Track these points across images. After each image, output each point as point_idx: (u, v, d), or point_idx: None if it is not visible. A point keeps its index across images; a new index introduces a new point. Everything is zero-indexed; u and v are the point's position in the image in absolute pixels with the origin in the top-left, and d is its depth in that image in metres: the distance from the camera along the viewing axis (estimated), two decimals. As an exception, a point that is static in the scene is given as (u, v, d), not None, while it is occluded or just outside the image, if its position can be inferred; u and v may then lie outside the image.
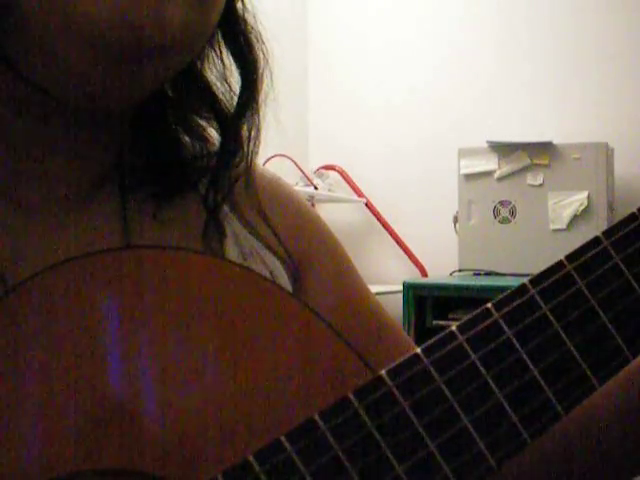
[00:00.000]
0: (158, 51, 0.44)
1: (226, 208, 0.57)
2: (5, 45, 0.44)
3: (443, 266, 2.97)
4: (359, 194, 3.22)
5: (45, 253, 0.48)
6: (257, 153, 0.57)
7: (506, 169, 2.79)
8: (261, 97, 0.55)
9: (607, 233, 0.38)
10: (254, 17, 0.55)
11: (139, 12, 0.42)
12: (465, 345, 0.34)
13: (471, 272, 2.81)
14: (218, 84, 0.56)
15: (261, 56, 0.55)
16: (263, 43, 0.55)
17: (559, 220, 2.72)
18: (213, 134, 0.58)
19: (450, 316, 2.58)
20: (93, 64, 0.44)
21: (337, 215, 3.24)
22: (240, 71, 0.55)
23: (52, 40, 0.43)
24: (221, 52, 0.55)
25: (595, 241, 0.38)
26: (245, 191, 0.58)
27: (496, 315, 0.35)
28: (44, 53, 0.44)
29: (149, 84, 0.48)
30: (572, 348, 0.35)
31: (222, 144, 0.56)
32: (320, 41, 3.38)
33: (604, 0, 2.97)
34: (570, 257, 0.37)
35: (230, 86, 0.56)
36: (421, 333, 2.57)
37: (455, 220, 2.92)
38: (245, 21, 0.54)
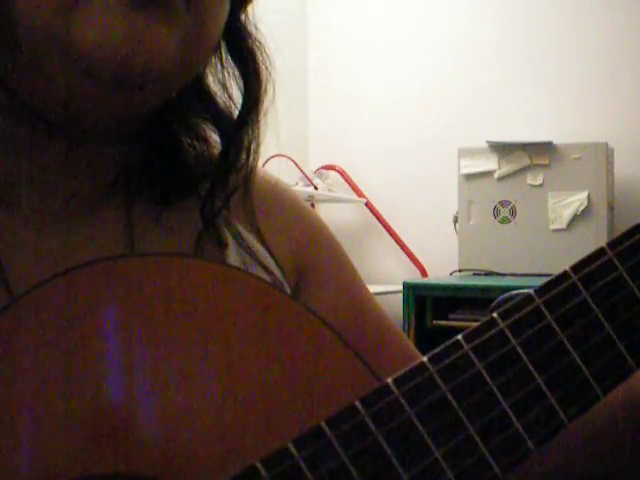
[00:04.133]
0: (151, 82, 0.45)
1: (233, 217, 0.57)
2: (3, 64, 0.45)
3: (443, 266, 2.98)
4: (359, 194, 3.22)
5: (51, 262, 0.48)
6: (255, 166, 0.57)
7: (506, 169, 2.79)
8: (263, 108, 0.55)
9: (612, 244, 0.38)
10: (256, 28, 0.55)
11: (132, 48, 0.42)
12: (471, 354, 0.34)
13: (471, 272, 2.82)
14: (220, 93, 0.56)
15: (264, 69, 0.55)
16: (267, 55, 0.55)
17: (559, 220, 2.73)
18: (214, 136, 0.58)
19: (450, 316, 2.59)
20: (85, 90, 0.45)
21: (337, 215, 3.25)
22: (243, 83, 0.55)
23: (46, 64, 0.44)
24: (222, 62, 0.55)
25: (600, 252, 0.38)
26: (243, 202, 0.58)
27: (502, 324, 0.35)
28: (38, 75, 0.45)
29: (144, 108, 0.49)
30: (577, 358, 0.36)
31: (221, 154, 0.56)
32: (320, 41, 3.38)
33: (604, 0, 2.97)
34: (575, 268, 0.37)
35: (231, 97, 0.56)
36: (421, 333, 2.57)
37: (455, 220, 2.92)
38: (249, 33, 0.55)
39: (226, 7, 0.48)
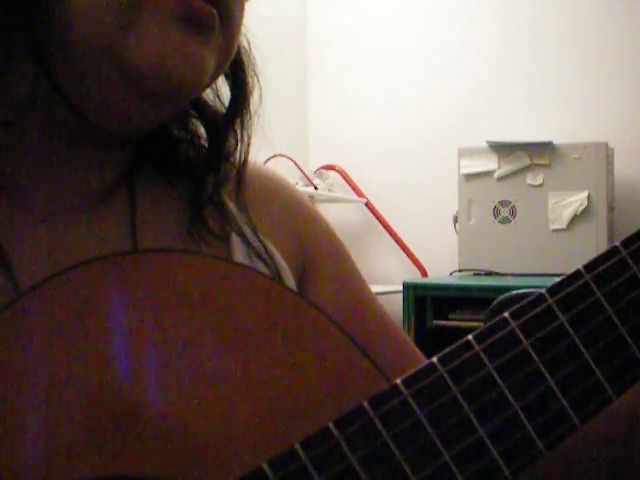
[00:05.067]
0: (191, 96, 0.49)
1: (233, 207, 0.57)
2: (54, 70, 0.46)
3: (443, 266, 2.97)
4: (359, 194, 3.22)
5: (57, 256, 0.49)
6: (247, 158, 0.58)
7: (506, 169, 2.79)
8: (252, 109, 0.57)
9: (625, 243, 0.37)
10: (245, 35, 0.57)
11: (184, 65, 0.46)
12: (481, 355, 0.34)
13: (471, 272, 2.81)
14: (209, 91, 0.57)
15: (250, 71, 0.57)
16: (252, 56, 0.57)
17: (559, 220, 2.72)
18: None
19: (450, 316, 2.58)
20: (132, 103, 0.47)
21: (337, 215, 3.24)
22: (229, 85, 0.57)
23: (98, 78, 0.46)
24: None
25: (613, 250, 0.37)
26: (236, 197, 0.58)
27: (513, 324, 0.35)
28: (88, 85, 0.47)
29: (169, 116, 0.52)
30: (589, 359, 0.35)
31: (209, 145, 0.57)
32: (320, 41, 3.38)
33: (604, 0, 2.97)
34: (588, 267, 0.37)
35: (220, 98, 0.58)
36: (421, 333, 2.57)
37: (455, 220, 2.92)
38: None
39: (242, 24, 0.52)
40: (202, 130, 0.58)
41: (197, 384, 0.37)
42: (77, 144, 0.50)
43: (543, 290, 0.36)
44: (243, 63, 0.56)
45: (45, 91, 0.47)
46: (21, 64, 0.47)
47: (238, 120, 0.56)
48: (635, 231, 0.37)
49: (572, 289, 0.36)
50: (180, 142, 0.57)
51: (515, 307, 0.35)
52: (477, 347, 0.34)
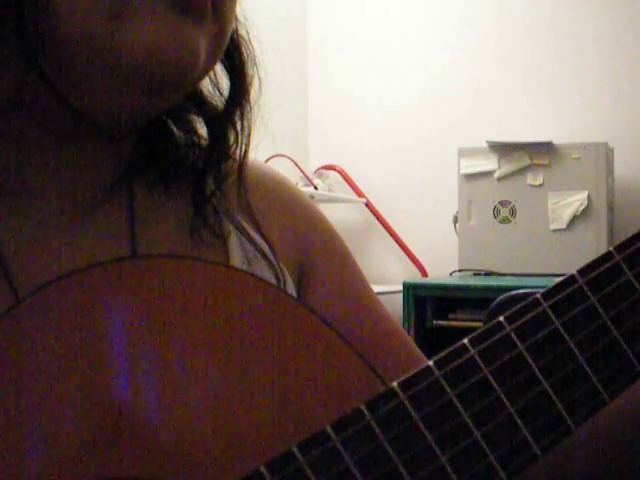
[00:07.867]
0: (187, 82, 0.47)
1: (235, 205, 0.57)
2: (44, 63, 0.45)
3: (443, 266, 2.97)
4: (359, 194, 3.22)
5: (56, 262, 0.49)
6: (247, 155, 0.58)
7: (506, 169, 2.79)
8: (251, 101, 0.56)
9: (619, 248, 0.38)
10: (246, 28, 0.56)
11: (177, 51, 0.44)
12: (477, 358, 0.34)
13: (471, 272, 2.82)
14: (210, 87, 0.57)
15: (249, 62, 0.56)
16: (252, 49, 0.57)
17: (559, 220, 2.72)
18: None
19: (450, 316, 2.58)
20: (125, 95, 0.46)
21: (337, 215, 3.24)
22: (229, 76, 0.56)
23: (89, 70, 0.45)
24: None
25: (607, 255, 0.38)
26: (237, 195, 0.58)
27: (508, 329, 0.35)
28: (79, 77, 0.46)
29: (164, 109, 0.51)
30: (584, 363, 0.35)
31: (209, 142, 0.57)
32: (320, 41, 3.38)
33: (604, 0, 2.97)
34: (582, 271, 0.37)
35: (220, 90, 0.57)
36: (421, 333, 2.57)
37: (455, 220, 2.92)
38: (235, 30, 0.56)
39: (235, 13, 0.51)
40: (203, 130, 0.58)
41: (194, 391, 0.37)
42: (72, 142, 0.50)
43: (538, 295, 0.36)
44: (242, 53, 0.56)
45: (36, 85, 0.46)
46: (10, 57, 0.46)
47: (238, 111, 0.56)
48: (629, 236, 0.38)
49: (566, 294, 0.36)
50: (180, 143, 0.57)
51: (510, 311, 0.35)
52: (472, 351, 0.34)
